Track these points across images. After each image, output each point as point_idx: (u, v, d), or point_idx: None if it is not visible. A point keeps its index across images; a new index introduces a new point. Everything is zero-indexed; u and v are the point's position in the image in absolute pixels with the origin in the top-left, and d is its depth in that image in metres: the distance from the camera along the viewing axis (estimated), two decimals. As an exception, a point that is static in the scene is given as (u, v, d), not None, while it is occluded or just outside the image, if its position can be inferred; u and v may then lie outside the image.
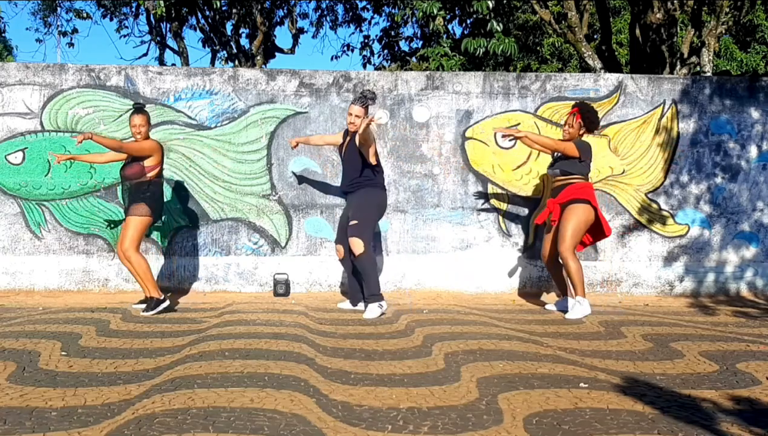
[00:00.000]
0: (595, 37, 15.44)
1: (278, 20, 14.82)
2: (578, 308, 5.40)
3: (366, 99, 5.43)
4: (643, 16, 9.85)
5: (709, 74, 10.51)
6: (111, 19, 14.45)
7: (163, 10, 11.34)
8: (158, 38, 14.72)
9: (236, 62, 14.11)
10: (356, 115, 5.37)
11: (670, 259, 6.70)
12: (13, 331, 4.51)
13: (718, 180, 6.70)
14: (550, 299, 6.39)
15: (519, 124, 6.53)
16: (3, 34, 17.29)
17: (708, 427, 2.80)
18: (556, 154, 5.69)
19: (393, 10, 13.05)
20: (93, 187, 6.39)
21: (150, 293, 5.44)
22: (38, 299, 6.09)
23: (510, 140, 6.43)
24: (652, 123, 6.66)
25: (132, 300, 5.92)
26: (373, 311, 5.33)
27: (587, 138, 5.65)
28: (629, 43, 11.27)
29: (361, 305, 5.60)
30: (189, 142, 6.46)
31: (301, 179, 6.51)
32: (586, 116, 5.57)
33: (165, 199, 6.42)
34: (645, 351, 4.18)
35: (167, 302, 5.52)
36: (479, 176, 6.62)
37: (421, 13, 9.61)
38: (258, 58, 14.12)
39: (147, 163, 5.44)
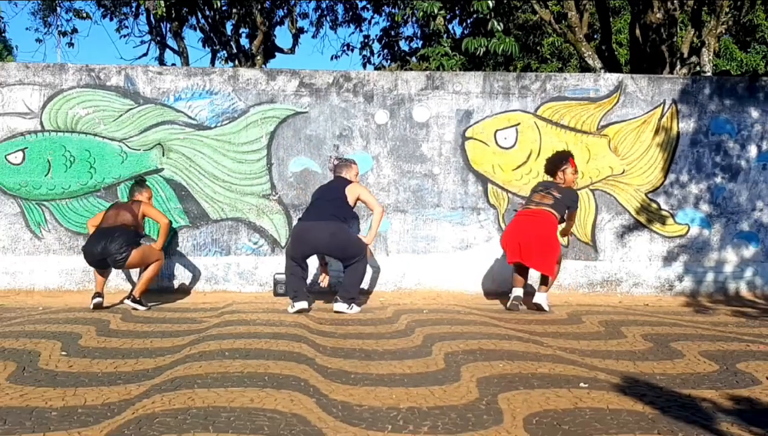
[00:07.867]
0: (595, 37, 15.42)
1: (278, 20, 14.81)
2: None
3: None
4: (643, 15, 9.84)
5: (709, 74, 10.50)
6: (111, 19, 14.43)
7: (163, 10, 11.34)
8: (158, 38, 14.72)
9: (236, 62, 14.10)
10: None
11: (669, 259, 6.70)
12: (13, 331, 4.51)
13: (718, 180, 6.70)
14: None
15: (519, 123, 6.53)
16: (3, 34, 17.28)
17: (708, 427, 2.79)
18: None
19: (393, 10, 13.03)
20: (93, 187, 6.40)
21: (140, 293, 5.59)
22: (38, 298, 6.09)
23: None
24: (652, 123, 6.66)
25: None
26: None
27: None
28: (629, 43, 11.26)
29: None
30: (189, 142, 6.46)
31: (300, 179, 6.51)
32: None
33: (165, 199, 6.45)
34: (645, 351, 4.18)
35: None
36: (479, 176, 6.62)
37: (421, 13, 9.60)
38: (258, 58, 14.12)
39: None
